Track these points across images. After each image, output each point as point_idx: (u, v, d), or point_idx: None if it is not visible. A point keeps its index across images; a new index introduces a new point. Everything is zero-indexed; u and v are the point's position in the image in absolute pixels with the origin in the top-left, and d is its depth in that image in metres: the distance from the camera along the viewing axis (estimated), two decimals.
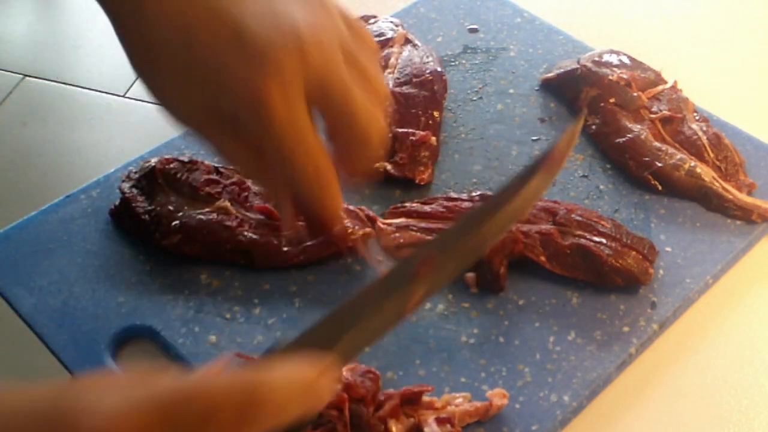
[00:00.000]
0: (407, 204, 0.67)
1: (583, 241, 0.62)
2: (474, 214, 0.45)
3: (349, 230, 0.63)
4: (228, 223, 0.63)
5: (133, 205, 0.65)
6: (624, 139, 0.71)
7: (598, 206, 0.68)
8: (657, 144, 0.71)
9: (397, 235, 0.65)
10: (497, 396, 0.55)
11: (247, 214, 0.64)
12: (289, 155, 0.45)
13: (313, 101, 0.46)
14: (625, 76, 0.74)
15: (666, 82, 0.76)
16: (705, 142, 0.71)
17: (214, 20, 0.45)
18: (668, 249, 0.65)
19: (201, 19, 0.45)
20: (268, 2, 0.46)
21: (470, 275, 0.62)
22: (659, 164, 0.69)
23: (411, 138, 0.69)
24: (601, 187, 0.70)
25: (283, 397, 0.34)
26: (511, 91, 0.78)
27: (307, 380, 0.35)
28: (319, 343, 0.38)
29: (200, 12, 0.45)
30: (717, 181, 0.68)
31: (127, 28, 0.47)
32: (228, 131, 0.47)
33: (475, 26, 0.85)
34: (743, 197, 0.68)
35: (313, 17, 0.46)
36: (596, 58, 0.77)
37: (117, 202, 0.66)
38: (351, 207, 0.66)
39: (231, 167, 0.67)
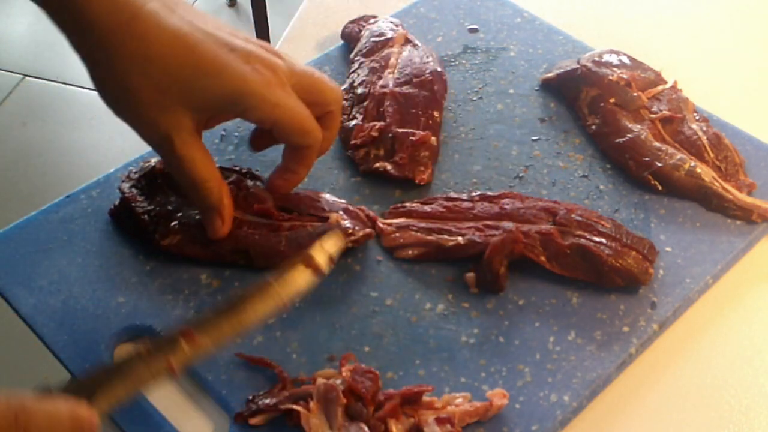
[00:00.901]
0: (407, 204, 0.67)
1: (583, 241, 0.62)
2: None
3: (350, 231, 0.63)
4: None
5: (133, 205, 0.65)
6: (624, 139, 0.71)
7: (598, 206, 0.68)
8: (657, 144, 0.71)
9: (397, 235, 0.65)
10: (497, 396, 0.55)
11: (246, 214, 0.64)
12: (295, 115, 0.58)
13: (293, 87, 0.58)
14: (625, 76, 0.74)
15: (666, 82, 0.76)
16: (705, 142, 0.71)
17: (203, 33, 0.56)
18: (668, 249, 0.65)
19: (193, 32, 0.55)
20: (225, 27, 0.58)
21: (470, 275, 0.63)
22: (659, 164, 0.69)
23: (411, 138, 0.69)
24: (601, 187, 0.70)
25: (46, 423, 0.40)
26: (511, 91, 0.78)
27: (68, 415, 0.41)
28: (84, 390, 0.44)
29: (188, 26, 0.55)
30: (717, 181, 0.68)
31: (119, 46, 0.54)
32: (200, 143, 0.58)
33: (475, 26, 0.85)
34: (743, 197, 0.68)
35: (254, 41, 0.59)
36: (596, 58, 0.77)
37: (117, 202, 0.66)
38: (351, 207, 0.66)
39: (229, 168, 0.67)
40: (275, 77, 0.57)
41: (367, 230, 0.64)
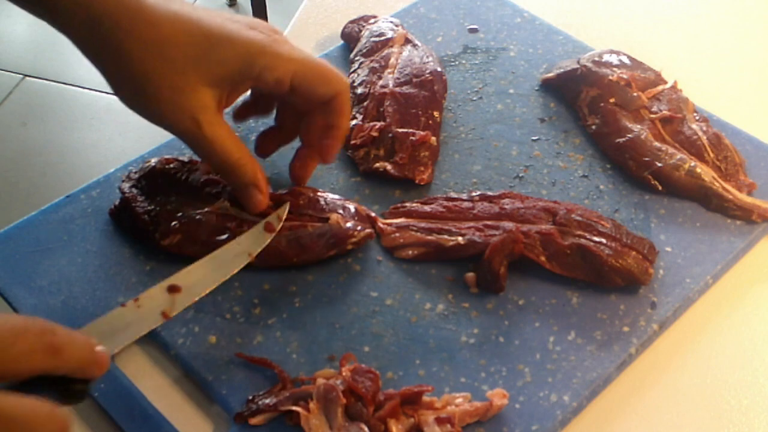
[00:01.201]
0: (407, 204, 0.67)
1: (583, 241, 0.62)
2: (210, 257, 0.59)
3: (351, 231, 0.63)
4: (228, 223, 0.63)
5: (133, 205, 0.65)
6: (624, 139, 0.71)
7: (598, 206, 0.68)
8: (657, 144, 0.71)
9: (397, 235, 0.65)
10: (497, 396, 0.55)
11: (246, 215, 0.64)
12: (312, 69, 0.58)
13: None
14: (625, 76, 0.74)
15: (666, 82, 0.76)
16: (705, 142, 0.71)
17: (206, 12, 0.57)
18: (668, 249, 0.65)
19: (198, 13, 0.56)
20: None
21: (470, 275, 0.63)
22: (659, 164, 0.69)
23: (411, 138, 0.69)
24: (601, 187, 0.70)
25: (74, 346, 0.44)
26: (511, 91, 0.78)
27: (91, 344, 0.45)
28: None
29: (193, 10, 0.56)
30: (717, 181, 0.68)
31: (128, 39, 0.54)
32: (225, 125, 0.59)
33: (475, 26, 0.85)
34: (743, 197, 0.68)
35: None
36: (596, 58, 0.77)
37: (117, 202, 0.66)
38: (349, 205, 0.66)
39: None
40: (282, 37, 0.58)
41: (368, 230, 0.64)
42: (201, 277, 0.56)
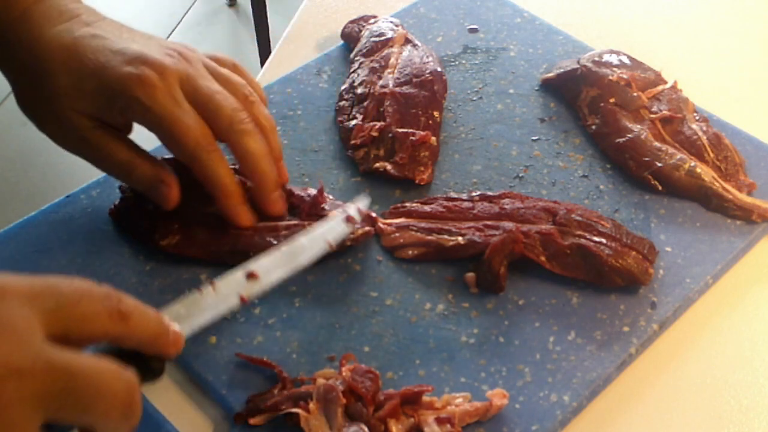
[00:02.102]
0: (407, 204, 0.67)
1: (583, 241, 0.62)
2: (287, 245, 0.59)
3: (349, 231, 0.63)
4: (227, 224, 0.63)
5: (133, 205, 0.65)
6: (624, 139, 0.71)
7: (598, 206, 0.68)
8: (657, 144, 0.71)
9: (397, 235, 0.65)
10: (497, 396, 0.55)
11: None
12: (174, 122, 0.57)
13: (186, 96, 0.58)
14: (625, 76, 0.74)
15: (666, 82, 0.76)
16: (705, 142, 0.71)
17: (98, 41, 0.59)
18: (668, 249, 0.65)
19: (88, 42, 0.58)
20: (142, 37, 0.61)
21: (470, 275, 0.63)
22: (659, 164, 0.69)
23: (411, 138, 0.69)
24: (601, 187, 0.70)
25: (142, 317, 0.44)
26: (511, 91, 0.78)
27: (160, 318, 0.46)
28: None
29: (87, 38, 0.59)
30: (717, 181, 0.68)
31: (21, 65, 0.59)
32: (111, 132, 0.60)
33: (475, 26, 0.85)
34: (743, 197, 0.68)
35: (178, 47, 0.61)
36: (596, 58, 0.77)
37: (117, 202, 0.66)
38: (352, 207, 0.66)
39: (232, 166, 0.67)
40: (161, 81, 0.57)
41: (367, 228, 0.64)
42: (276, 264, 0.57)
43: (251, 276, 0.55)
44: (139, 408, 0.42)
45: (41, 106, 0.60)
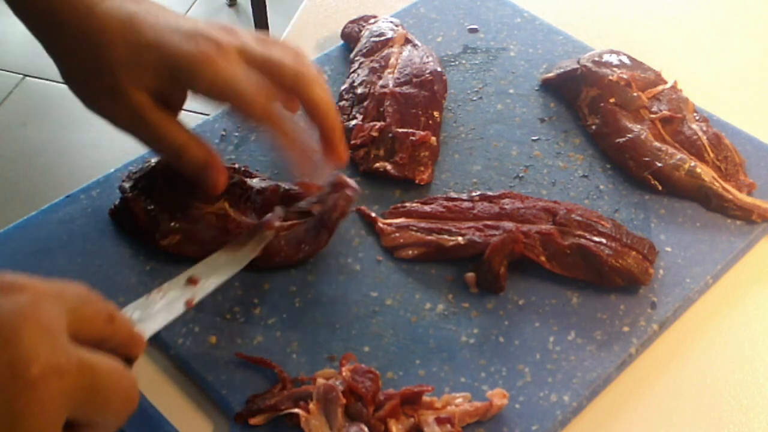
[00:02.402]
0: (407, 204, 0.67)
1: (583, 241, 0.62)
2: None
3: (332, 207, 0.63)
4: (227, 224, 0.63)
5: (133, 205, 0.65)
6: (624, 139, 0.71)
7: (598, 206, 0.68)
8: (657, 144, 0.71)
9: (397, 235, 0.65)
10: (497, 396, 0.55)
11: (245, 217, 0.64)
12: (240, 90, 0.57)
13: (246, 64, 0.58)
14: (625, 76, 0.74)
15: (666, 82, 0.76)
16: (705, 142, 0.71)
17: (153, 17, 0.58)
18: (668, 249, 0.65)
19: (144, 16, 0.58)
20: (187, 19, 0.60)
21: (470, 275, 0.63)
22: (659, 164, 0.69)
23: (411, 138, 0.69)
24: (601, 187, 0.70)
25: (122, 319, 0.46)
26: (511, 91, 0.78)
27: (131, 323, 0.49)
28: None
29: (143, 12, 0.58)
30: (717, 181, 0.68)
31: (74, 39, 0.58)
32: (166, 112, 0.59)
33: (475, 26, 0.85)
34: (743, 197, 0.68)
35: (225, 25, 0.61)
36: (596, 58, 0.77)
37: (117, 202, 0.66)
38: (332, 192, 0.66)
39: (229, 167, 0.67)
40: (219, 51, 0.58)
41: (348, 195, 0.64)
42: (213, 270, 0.59)
43: (192, 281, 0.57)
44: (137, 403, 0.44)
45: (95, 80, 0.59)
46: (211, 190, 0.62)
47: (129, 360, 0.47)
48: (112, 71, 0.57)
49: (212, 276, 0.58)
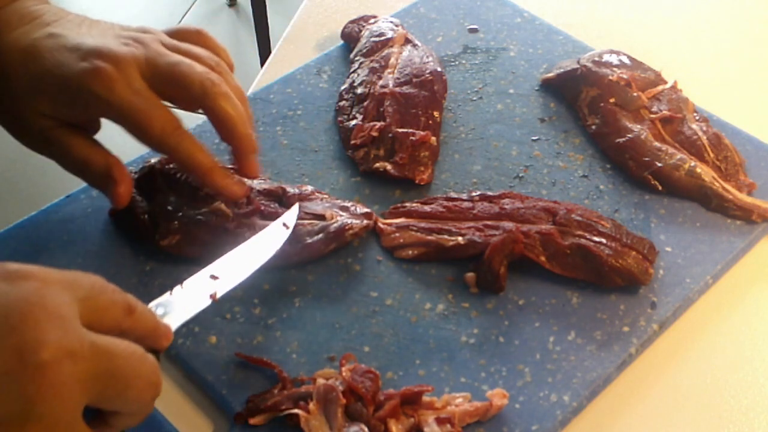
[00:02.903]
0: (407, 204, 0.67)
1: (583, 241, 0.62)
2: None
3: (348, 225, 0.63)
4: (226, 224, 0.63)
5: (133, 205, 0.65)
6: (624, 139, 0.71)
7: (598, 206, 0.68)
8: (657, 144, 0.71)
9: (397, 235, 0.65)
10: (497, 396, 0.55)
11: (244, 217, 0.64)
12: (136, 112, 0.57)
13: (150, 79, 0.58)
14: (625, 76, 0.74)
15: (666, 82, 0.76)
16: (705, 142, 0.71)
17: (55, 40, 0.58)
18: (668, 249, 0.65)
19: (44, 42, 0.58)
20: (99, 28, 0.61)
21: (470, 275, 0.63)
22: (659, 164, 0.69)
23: (411, 138, 0.69)
24: (601, 187, 0.70)
25: (144, 310, 0.47)
26: (511, 91, 0.78)
27: (154, 313, 0.49)
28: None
29: (44, 38, 0.58)
30: (717, 181, 0.68)
31: None
32: (72, 129, 0.59)
33: (475, 26, 0.85)
34: (743, 197, 0.68)
35: (135, 32, 0.61)
36: (596, 58, 0.77)
37: None
38: (347, 203, 0.66)
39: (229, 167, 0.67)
40: (118, 72, 0.57)
41: (365, 222, 0.64)
42: (236, 266, 0.58)
43: (214, 277, 0.57)
44: (161, 390, 0.45)
45: (5, 110, 0.60)
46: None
47: (155, 352, 0.47)
48: (15, 101, 0.58)
49: (235, 271, 0.58)
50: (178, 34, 0.63)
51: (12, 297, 0.39)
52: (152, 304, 0.52)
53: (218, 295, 0.56)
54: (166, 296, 0.54)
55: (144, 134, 0.58)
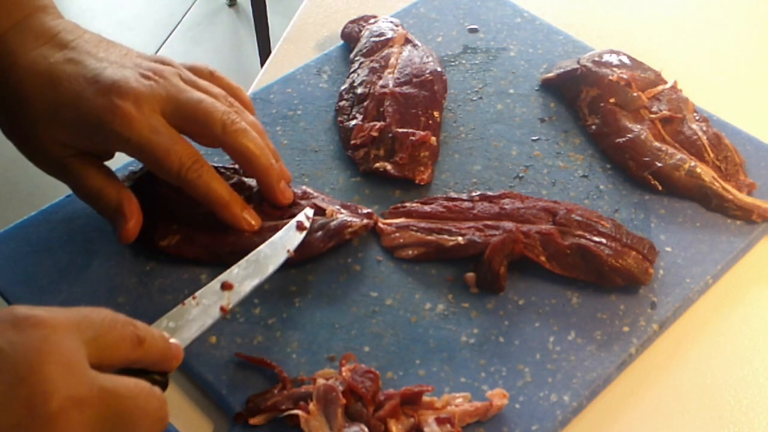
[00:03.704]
0: (407, 204, 0.67)
1: (583, 241, 0.62)
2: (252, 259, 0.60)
3: (348, 223, 0.63)
4: (226, 226, 0.63)
5: None
6: (624, 139, 0.71)
7: (598, 206, 0.68)
8: (657, 144, 0.71)
9: (397, 235, 0.65)
10: (497, 396, 0.55)
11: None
12: (154, 149, 0.57)
13: (170, 115, 0.59)
14: (625, 76, 0.74)
15: (666, 82, 0.76)
16: (705, 142, 0.71)
17: (73, 67, 0.58)
18: (668, 249, 0.65)
19: (63, 68, 0.58)
20: (117, 53, 0.61)
21: (470, 275, 0.63)
22: (659, 164, 0.69)
23: (411, 138, 0.69)
24: (601, 187, 0.70)
25: (153, 339, 0.47)
26: (511, 91, 0.78)
27: (165, 337, 0.49)
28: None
29: (62, 63, 0.58)
30: (717, 181, 0.68)
31: (0, 89, 0.58)
32: (87, 159, 0.60)
33: (475, 26, 0.85)
34: (743, 197, 0.68)
35: (154, 62, 0.61)
36: (596, 58, 0.77)
37: None
38: (348, 203, 0.66)
39: (230, 167, 0.67)
40: (137, 110, 0.57)
41: (365, 221, 0.64)
42: (247, 274, 0.58)
43: (226, 287, 0.57)
44: (168, 421, 0.45)
45: (20, 132, 0.60)
46: (120, 238, 0.61)
47: (165, 373, 0.48)
48: (31, 126, 0.58)
49: (246, 279, 0.58)
50: (191, 69, 0.64)
51: (20, 347, 0.39)
52: (163, 319, 0.53)
53: (229, 307, 0.56)
54: (176, 309, 0.54)
55: (162, 170, 0.59)
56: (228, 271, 0.58)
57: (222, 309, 0.55)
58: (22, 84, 0.58)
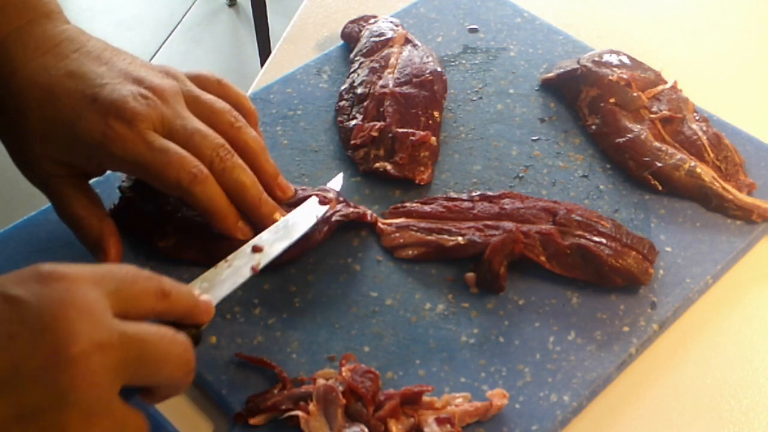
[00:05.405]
0: (407, 204, 0.67)
1: (583, 241, 0.62)
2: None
3: (347, 213, 0.64)
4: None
5: (133, 205, 0.65)
6: (624, 139, 0.71)
7: (598, 206, 0.68)
8: (657, 144, 0.71)
9: (397, 235, 0.65)
10: (497, 396, 0.55)
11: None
12: (149, 165, 0.57)
13: (164, 136, 0.58)
14: (625, 76, 0.74)
15: (666, 82, 0.76)
16: (705, 142, 0.71)
17: (74, 82, 0.58)
18: (668, 249, 0.65)
19: (63, 82, 0.57)
20: (121, 64, 0.60)
21: (470, 275, 0.63)
22: (659, 164, 0.69)
23: (411, 138, 0.69)
24: (601, 187, 0.70)
25: (179, 292, 0.49)
26: (511, 91, 0.78)
27: (192, 291, 0.51)
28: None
29: (62, 78, 0.58)
30: (717, 181, 0.68)
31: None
32: (76, 183, 0.60)
33: (475, 26, 0.85)
34: (743, 197, 0.68)
35: (158, 75, 0.61)
36: (596, 58, 0.77)
37: (117, 202, 0.66)
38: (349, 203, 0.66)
39: None
40: (132, 131, 0.57)
41: (358, 210, 0.64)
42: (276, 238, 0.60)
43: (256, 249, 0.59)
44: (194, 365, 0.47)
45: (14, 141, 0.60)
46: None
47: (198, 326, 0.50)
48: (26, 138, 0.58)
49: (276, 242, 0.60)
50: (197, 79, 0.63)
51: (44, 299, 0.41)
52: (197, 280, 0.55)
53: (259, 267, 0.58)
54: (210, 271, 0.56)
55: (160, 185, 0.59)
56: (258, 236, 0.60)
57: (253, 269, 0.57)
58: (21, 96, 0.58)
